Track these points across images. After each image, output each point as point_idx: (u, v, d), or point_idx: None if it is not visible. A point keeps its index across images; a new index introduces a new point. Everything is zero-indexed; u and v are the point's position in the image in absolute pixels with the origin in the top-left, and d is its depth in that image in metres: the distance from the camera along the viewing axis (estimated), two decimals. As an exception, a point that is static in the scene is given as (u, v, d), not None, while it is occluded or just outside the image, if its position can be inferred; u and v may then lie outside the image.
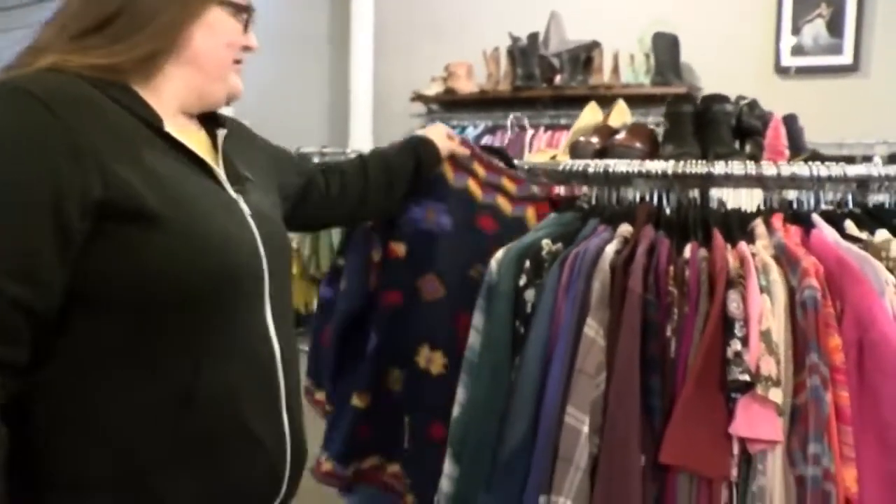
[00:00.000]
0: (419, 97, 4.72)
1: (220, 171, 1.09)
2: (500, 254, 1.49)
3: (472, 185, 1.65)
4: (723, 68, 4.09)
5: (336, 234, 4.57)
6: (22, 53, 1.01)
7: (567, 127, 4.20)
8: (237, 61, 1.14)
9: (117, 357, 0.96)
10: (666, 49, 4.14)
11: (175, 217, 0.96)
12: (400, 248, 1.61)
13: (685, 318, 1.29)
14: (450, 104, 4.72)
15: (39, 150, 0.90)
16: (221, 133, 1.15)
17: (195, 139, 1.10)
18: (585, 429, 1.27)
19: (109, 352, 0.96)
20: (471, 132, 4.40)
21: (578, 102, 4.27)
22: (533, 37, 4.37)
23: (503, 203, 1.65)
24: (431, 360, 1.61)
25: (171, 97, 1.07)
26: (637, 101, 3.66)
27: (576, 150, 1.68)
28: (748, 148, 1.71)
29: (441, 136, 1.65)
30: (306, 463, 1.18)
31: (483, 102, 4.57)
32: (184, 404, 0.97)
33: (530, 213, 1.65)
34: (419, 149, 1.60)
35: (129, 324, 0.96)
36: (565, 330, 1.33)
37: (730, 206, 1.52)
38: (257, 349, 1.06)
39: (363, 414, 1.63)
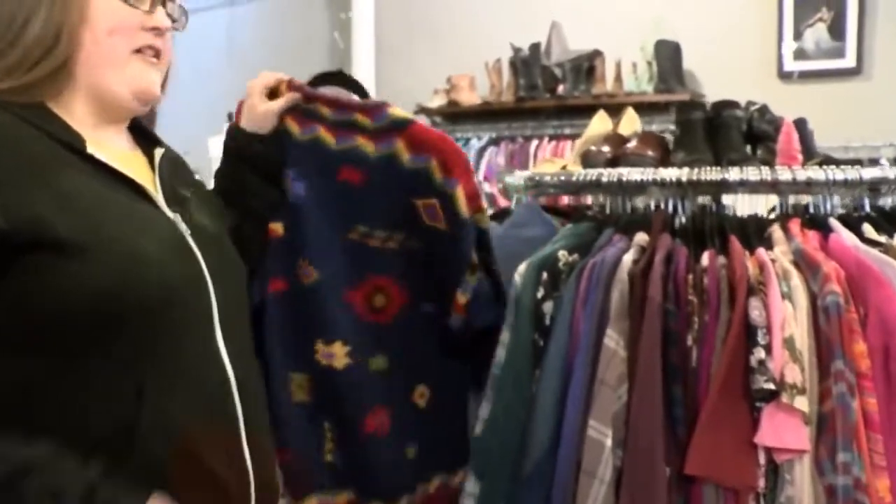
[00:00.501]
0: (422, 110, 4.71)
1: (155, 191, 1.03)
2: (522, 267, 1.47)
3: (323, 133, 1.35)
4: (726, 74, 4.08)
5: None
6: None
7: (571, 136, 4.20)
8: (142, 49, 1.01)
9: (47, 391, 0.90)
10: (668, 56, 4.14)
11: (93, 243, 0.90)
12: (278, 227, 1.34)
13: (706, 327, 1.27)
14: (453, 116, 4.72)
15: None
16: (158, 152, 1.09)
17: (127, 158, 1.04)
18: (608, 442, 1.25)
19: (38, 386, 0.90)
20: (475, 144, 4.39)
21: (582, 112, 4.30)
22: (535, 47, 4.36)
23: (364, 143, 1.35)
24: (332, 355, 1.36)
25: (82, 109, 1.00)
26: (640, 109, 3.63)
27: (587, 160, 1.67)
28: (760, 153, 1.70)
29: (254, 103, 1.30)
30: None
31: (486, 114, 4.57)
32: (127, 437, 0.90)
33: (400, 146, 1.34)
34: (227, 148, 1.32)
35: (58, 356, 0.90)
36: (585, 341, 1.31)
37: (738, 212, 1.52)
38: (206, 375, 0.98)
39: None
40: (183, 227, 1.02)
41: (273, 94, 1.32)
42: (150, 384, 0.92)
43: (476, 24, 4.85)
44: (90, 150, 0.96)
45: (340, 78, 1.35)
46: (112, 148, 1.02)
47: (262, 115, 1.28)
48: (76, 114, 0.99)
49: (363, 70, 5.10)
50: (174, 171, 1.11)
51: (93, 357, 0.91)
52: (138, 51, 1.00)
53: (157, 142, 1.11)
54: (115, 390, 0.91)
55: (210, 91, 6.05)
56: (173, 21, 1.06)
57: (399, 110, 1.36)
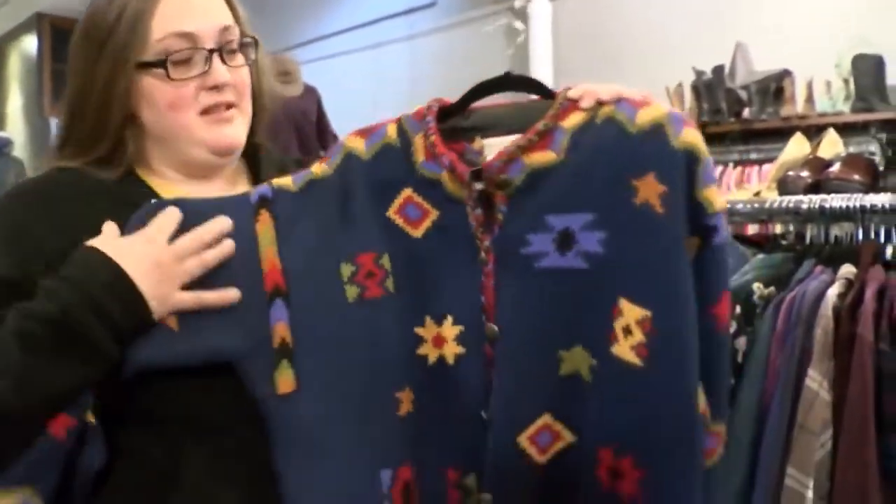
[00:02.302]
0: (600, 137, 4.66)
1: None
2: (704, 298, 1.39)
3: None
4: (937, 90, 3.74)
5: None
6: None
7: (758, 162, 3.99)
8: (210, 109, 0.95)
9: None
10: (869, 72, 3.83)
11: None
12: None
13: (927, 371, 1.14)
14: (632, 143, 4.63)
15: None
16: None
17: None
18: (810, 493, 1.16)
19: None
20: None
21: (770, 136, 4.08)
22: (718, 69, 4.19)
23: None
24: None
25: (170, 171, 0.98)
26: (836, 130, 3.40)
27: (785, 186, 1.56)
28: None
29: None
30: None
31: (667, 140, 4.44)
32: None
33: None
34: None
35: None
36: (782, 381, 1.23)
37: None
38: None
39: None
40: None
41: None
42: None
43: (656, 47, 4.74)
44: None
45: (509, 82, 1.00)
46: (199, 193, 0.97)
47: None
48: (166, 175, 0.98)
49: (540, 99, 5.13)
50: None
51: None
52: (206, 111, 0.94)
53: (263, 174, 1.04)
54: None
55: (391, 124, 6.32)
56: (245, 57, 0.99)
57: None
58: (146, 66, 0.91)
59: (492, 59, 5.49)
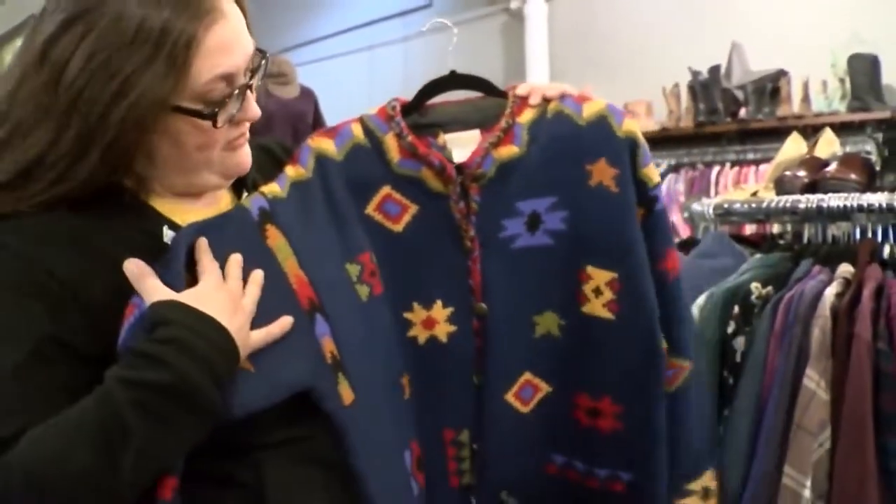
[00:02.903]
0: (597, 138, 4.65)
1: None
2: (701, 299, 1.39)
3: None
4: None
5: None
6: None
7: (755, 162, 3.99)
8: (234, 141, 0.89)
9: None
10: (864, 71, 3.84)
11: None
12: None
13: (925, 369, 1.14)
14: (629, 143, 4.62)
15: (16, 299, 0.79)
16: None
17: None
18: (807, 493, 1.16)
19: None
20: (652, 171, 4.27)
21: (766, 136, 4.08)
22: (714, 70, 4.19)
23: None
24: None
25: (161, 190, 0.91)
26: (832, 130, 3.41)
27: (782, 185, 1.56)
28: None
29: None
30: None
31: (665, 140, 4.42)
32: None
33: None
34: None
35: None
36: (780, 381, 1.22)
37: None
38: None
39: None
40: None
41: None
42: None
43: (652, 48, 4.74)
44: (169, 237, 0.88)
45: (456, 81, 1.08)
46: (196, 212, 0.92)
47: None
48: (155, 191, 0.90)
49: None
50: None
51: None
52: (233, 142, 0.89)
53: (245, 182, 0.99)
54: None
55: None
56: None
57: None
58: (181, 110, 0.81)
59: (487, 60, 5.49)
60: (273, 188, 0.94)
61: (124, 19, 0.77)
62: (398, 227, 1.00)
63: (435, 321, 1.01)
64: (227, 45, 0.82)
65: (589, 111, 1.00)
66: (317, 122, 3.89)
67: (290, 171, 0.96)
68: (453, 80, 1.07)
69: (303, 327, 0.87)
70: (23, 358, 0.77)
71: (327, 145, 0.99)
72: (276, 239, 0.90)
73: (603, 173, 0.98)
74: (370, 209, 0.99)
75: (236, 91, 0.84)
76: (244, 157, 0.91)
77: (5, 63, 9.02)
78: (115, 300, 0.81)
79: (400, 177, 0.99)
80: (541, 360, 1.04)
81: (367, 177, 0.99)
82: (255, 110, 0.88)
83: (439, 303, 1.01)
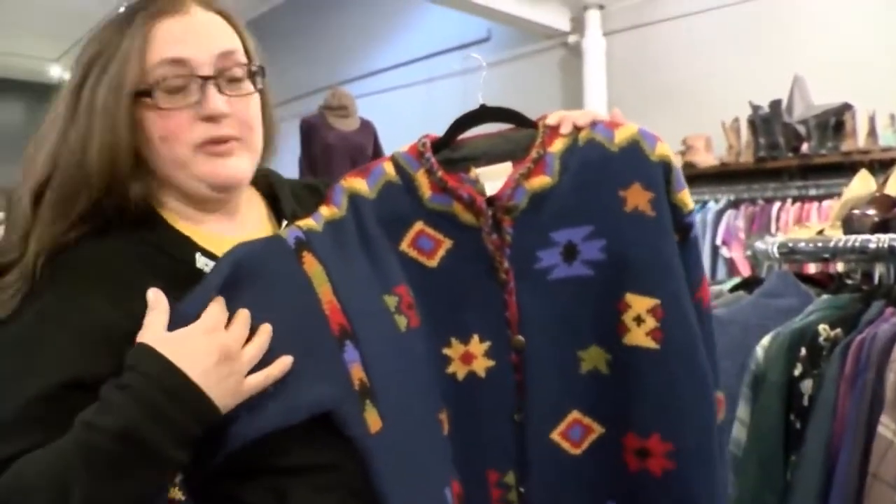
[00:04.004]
0: (655, 171, 4.61)
1: None
2: (766, 340, 1.36)
3: None
4: None
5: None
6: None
7: (818, 198, 3.90)
8: (208, 142, 0.88)
9: None
10: (935, 106, 3.74)
11: None
12: None
13: None
14: (689, 178, 4.53)
15: (50, 337, 0.80)
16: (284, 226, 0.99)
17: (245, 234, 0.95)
18: (884, 545, 1.10)
19: None
20: (712, 206, 4.20)
21: (829, 171, 3.99)
22: (775, 104, 4.12)
23: None
24: None
25: (182, 208, 0.93)
26: (901, 166, 3.32)
27: (851, 224, 1.52)
28: None
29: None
30: None
31: (724, 175, 4.35)
32: None
33: None
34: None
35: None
36: (852, 428, 1.18)
37: None
38: None
39: None
40: None
41: None
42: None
43: (711, 81, 4.70)
44: (202, 264, 0.89)
45: (487, 114, 1.08)
46: (232, 238, 0.92)
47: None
48: (178, 210, 0.93)
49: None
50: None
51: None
52: (202, 144, 0.88)
53: (284, 212, 1.01)
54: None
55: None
56: (253, 85, 0.94)
57: None
58: (139, 95, 0.85)
59: (545, 94, 5.50)
60: (309, 222, 0.95)
61: (98, 45, 0.88)
62: (433, 263, 0.99)
63: (473, 356, 1.00)
64: (178, 36, 0.87)
65: (621, 136, 0.99)
66: (376, 155, 3.92)
67: (325, 211, 0.97)
68: (484, 114, 1.07)
69: (330, 352, 0.87)
70: (45, 392, 0.76)
71: (359, 184, 0.99)
72: (312, 265, 0.90)
73: (638, 198, 0.96)
74: (404, 245, 0.99)
75: (196, 81, 0.87)
76: (229, 167, 0.90)
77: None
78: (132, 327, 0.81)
79: (432, 212, 1.00)
80: (590, 398, 0.99)
81: (399, 213, 0.99)
82: (217, 106, 0.87)
83: (476, 337, 1.00)
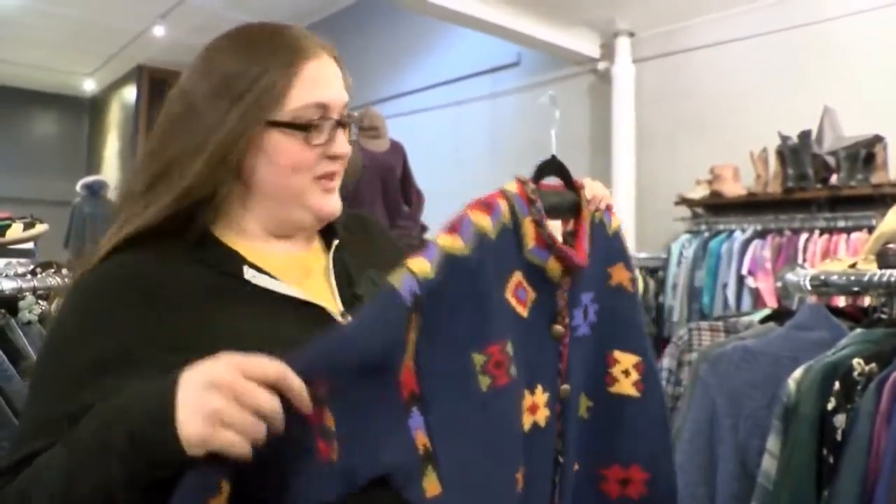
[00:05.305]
0: (684, 200, 4.59)
1: (330, 292, 1.00)
2: (798, 373, 1.36)
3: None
4: None
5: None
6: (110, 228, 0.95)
7: (846, 230, 3.88)
8: (324, 176, 0.98)
9: None
10: (967, 140, 3.71)
11: None
12: None
13: None
14: (716, 208, 4.54)
15: (97, 344, 0.85)
16: (334, 245, 1.05)
17: (299, 260, 1.01)
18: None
19: None
20: (738, 236, 4.19)
21: (859, 203, 3.96)
22: (805, 135, 4.11)
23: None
24: None
25: (254, 227, 0.99)
26: (933, 200, 3.30)
27: (885, 258, 1.52)
28: None
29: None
30: None
31: (751, 205, 4.34)
32: None
33: None
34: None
35: None
36: (889, 465, 1.17)
37: None
38: None
39: None
40: None
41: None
42: None
43: (740, 111, 4.70)
44: (250, 276, 0.93)
45: (553, 166, 1.13)
46: (282, 256, 1.00)
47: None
48: (246, 231, 0.98)
49: (622, 160, 5.12)
50: (358, 255, 1.07)
51: None
52: (319, 177, 0.98)
53: (335, 231, 1.07)
54: None
55: (472, 180, 6.38)
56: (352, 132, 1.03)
57: None
58: (279, 125, 0.93)
59: (573, 120, 5.53)
60: (422, 266, 0.89)
61: (238, 66, 0.94)
62: (524, 313, 1.02)
63: (537, 406, 1.04)
64: (321, 79, 0.96)
65: (614, 224, 1.17)
66: (405, 176, 3.95)
67: (447, 242, 0.93)
68: (552, 166, 1.13)
69: (396, 419, 0.86)
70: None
71: (485, 222, 0.98)
72: (412, 332, 0.89)
73: (621, 275, 1.15)
74: (507, 293, 1.00)
75: (331, 123, 0.96)
76: (336, 202, 1.01)
77: (112, 108, 9.44)
78: (194, 342, 0.82)
79: (530, 264, 1.03)
80: (578, 439, 1.11)
81: (506, 260, 1.00)
82: (345, 146, 0.98)
83: (540, 388, 1.04)
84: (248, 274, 0.93)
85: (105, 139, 10.03)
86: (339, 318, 0.96)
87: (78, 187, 6.72)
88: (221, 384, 0.71)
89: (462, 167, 6.19)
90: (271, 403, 0.71)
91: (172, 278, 0.90)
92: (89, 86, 10.01)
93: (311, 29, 1.02)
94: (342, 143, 0.98)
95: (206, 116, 0.92)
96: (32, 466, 0.80)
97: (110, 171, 9.52)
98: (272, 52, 0.94)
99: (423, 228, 3.97)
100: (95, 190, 6.66)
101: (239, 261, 0.94)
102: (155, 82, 9.09)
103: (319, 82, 0.96)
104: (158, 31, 7.44)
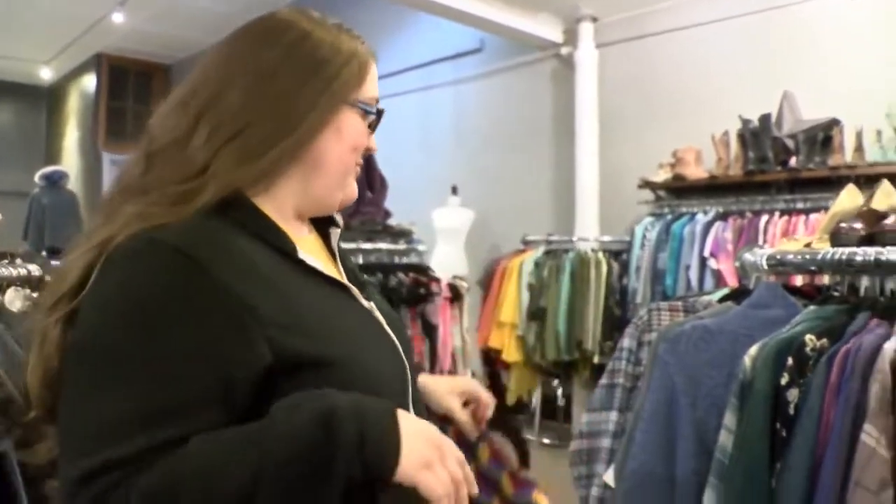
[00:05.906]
0: (647, 184, 4.64)
1: (350, 284, 1.03)
2: (753, 350, 1.38)
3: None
4: None
5: (562, 322, 4.54)
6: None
7: (804, 211, 3.95)
8: (357, 164, 1.05)
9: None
10: (921, 122, 3.79)
11: (342, 355, 0.89)
12: None
13: None
14: (678, 191, 4.59)
15: (203, 319, 0.82)
16: (335, 233, 1.10)
17: (308, 244, 1.04)
18: (866, 552, 1.12)
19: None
20: (701, 218, 4.24)
21: (817, 185, 4.04)
22: (765, 118, 4.17)
23: None
24: None
25: (288, 203, 1.00)
26: (887, 180, 3.35)
27: (838, 238, 1.54)
28: None
29: (446, 391, 1.20)
30: None
31: (713, 188, 4.40)
32: None
33: None
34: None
35: None
36: (837, 436, 1.19)
37: None
38: None
39: None
40: (379, 316, 1.03)
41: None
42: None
43: (702, 95, 4.74)
44: (303, 256, 0.96)
45: (513, 430, 1.25)
46: (305, 238, 1.04)
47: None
48: (278, 205, 0.99)
49: (586, 144, 5.15)
50: (343, 250, 1.12)
51: None
52: (357, 163, 1.05)
53: (331, 220, 1.11)
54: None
55: (436, 165, 6.37)
56: None
57: (535, 496, 1.23)
58: (358, 105, 1.01)
59: (537, 104, 5.54)
60: None
61: (328, 48, 1.00)
62: None
63: None
64: (376, 79, 1.05)
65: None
66: (368, 162, 3.93)
67: None
68: None
69: None
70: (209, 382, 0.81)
71: None
72: None
73: None
74: None
75: (375, 115, 1.05)
76: (355, 187, 1.07)
77: (70, 97, 9.24)
78: (280, 316, 0.86)
79: None
80: None
81: None
82: (374, 143, 1.06)
83: None
84: (301, 254, 0.96)
85: (64, 129, 9.85)
86: (364, 302, 1.02)
87: (36, 178, 6.60)
88: (439, 445, 0.86)
89: (428, 153, 6.18)
90: (469, 476, 0.88)
91: (252, 254, 0.89)
92: (47, 74, 9.81)
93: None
94: (374, 141, 1.06)
95: (296, 97, 0.95)
96: (196, 453, 0.77)
97: (70, 161, 9.36)
98: (352, 46, 1.02)
99: (387, 214, 3.96)
100: (55, 180, 6.55)
101: (290, 240, 0.95)
102: (114, 70, 8.94)
103: (375, 81, 1.05)
104: (117, 18, 7.30)
